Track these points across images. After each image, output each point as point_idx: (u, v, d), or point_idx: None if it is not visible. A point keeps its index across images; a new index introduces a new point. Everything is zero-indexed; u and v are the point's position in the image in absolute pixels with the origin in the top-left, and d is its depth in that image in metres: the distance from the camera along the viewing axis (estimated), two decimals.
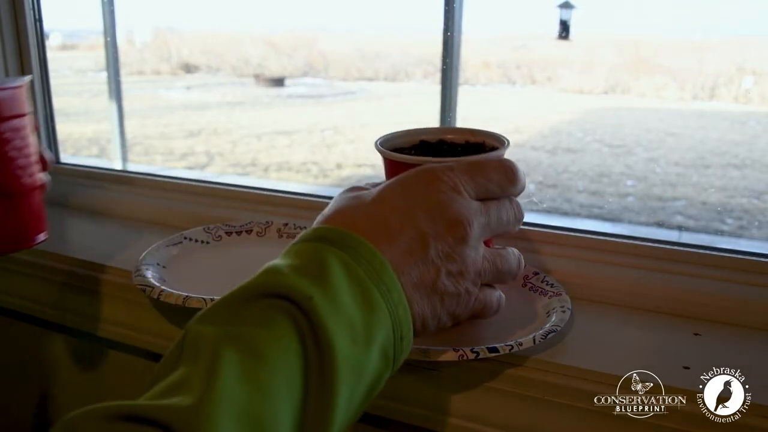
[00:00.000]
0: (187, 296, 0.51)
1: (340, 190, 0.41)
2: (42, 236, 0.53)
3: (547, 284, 0.53)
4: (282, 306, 0.31)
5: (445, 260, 0.36)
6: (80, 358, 0.70)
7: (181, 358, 0.30)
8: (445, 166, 0.38)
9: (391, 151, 0.43)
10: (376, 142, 0.45)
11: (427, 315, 0.36)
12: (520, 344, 0.43)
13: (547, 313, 0.49)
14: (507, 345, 0.43)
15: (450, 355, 0.42)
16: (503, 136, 0.45)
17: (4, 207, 0.49)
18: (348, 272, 0.33)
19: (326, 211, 0.39)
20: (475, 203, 0.38)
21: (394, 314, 0.33)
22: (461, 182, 0.37)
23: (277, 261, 0.34)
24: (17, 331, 0.74)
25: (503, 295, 0.41)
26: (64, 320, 0.65)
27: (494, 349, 0.43)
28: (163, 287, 0.53)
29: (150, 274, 0.56)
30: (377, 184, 0.41)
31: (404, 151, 0.46)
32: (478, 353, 0.42)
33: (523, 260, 0.42)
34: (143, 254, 0.59)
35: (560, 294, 0.51)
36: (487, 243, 0.40)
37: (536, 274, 0.55)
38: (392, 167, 0.43)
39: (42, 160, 0.53)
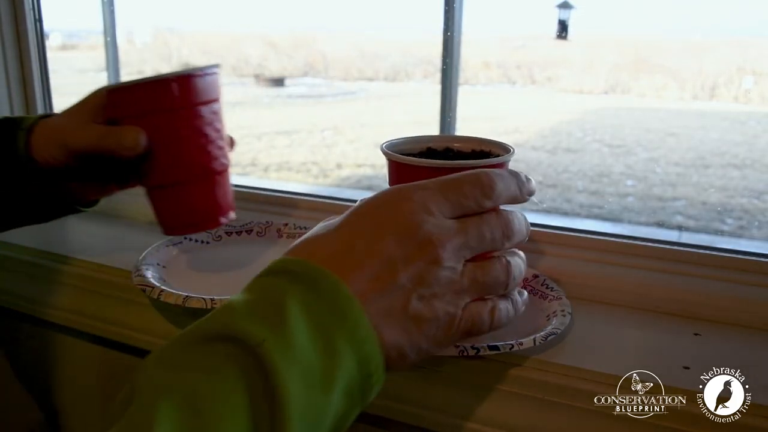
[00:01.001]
0: (187, 296, 0.51)
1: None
2: (232, 214, 0.53)
3: (547, 288, 0.53)
4: (232, 353, 0.30)
5: (416, 284, 0.34)
6: (80, 358, 0.70)
7: (133, 399, 0.29)
8: (417, 185, 0.36)
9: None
10: (381, 146, 0.45)
11: (402, 344, 0.34)
12: (521, 343, 0.43)
13: (548, 317, 0.49)
14: (507, 344, 0.43)
15: (451, 351, 0.42)
16: (509, 146, 0.45)
17: (202, 187, 0.51)
18: (307, 312, 0.31)
19: (300, 238, 0.37)
20: (448, 222, 0.35)
21: (360, 353, 0.32)
22: (433, 201, 0.35)
23: (238, 296, 0.33)
24: (17, 331, 0.74)
25: (509, 308, 0.38)
26: (64, 320, 0.65)
27: (495, 347, 0.43)
28: (163, 287, 0.53)
29: (150, 274, 0.56)
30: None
31: (411, 156, 0.46)
32: (478, 350, 0.43)
33: (512, 268, 0.37)
34: (143, 254, 0.59)
35: (560, 298, 0.51)
36: (484, 255, 0.37)
37: (536, 277, 0.55)
38: (398, 170, 0.43)
39: (231, 142, 0.54)
